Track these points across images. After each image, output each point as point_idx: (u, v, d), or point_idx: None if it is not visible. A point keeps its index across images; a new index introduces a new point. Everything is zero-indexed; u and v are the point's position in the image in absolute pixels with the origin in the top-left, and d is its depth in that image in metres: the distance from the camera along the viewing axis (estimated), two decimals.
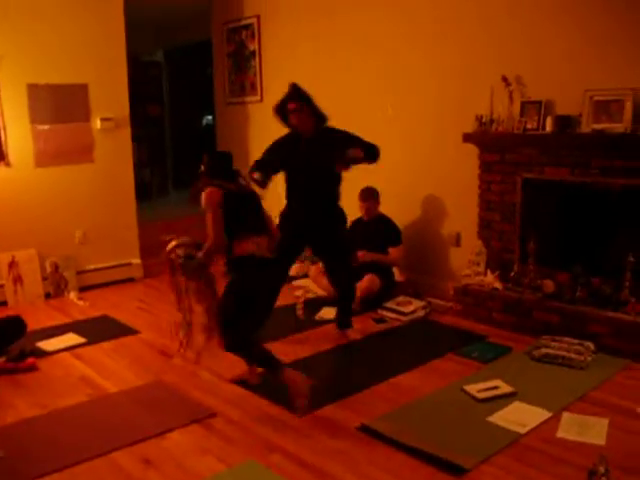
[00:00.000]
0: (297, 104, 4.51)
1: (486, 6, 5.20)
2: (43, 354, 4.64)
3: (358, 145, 4.58)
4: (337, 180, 4.68)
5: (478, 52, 5.30)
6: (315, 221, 4.65)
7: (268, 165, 4.57)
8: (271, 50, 7.29)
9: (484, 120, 5.18)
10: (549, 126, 4.79)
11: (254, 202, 3.94)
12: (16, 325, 4.70)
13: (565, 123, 4.73)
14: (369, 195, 5.72)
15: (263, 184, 4.44)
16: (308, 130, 4.58)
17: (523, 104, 4.99)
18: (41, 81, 6.01)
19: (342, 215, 4.81)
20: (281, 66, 7.17)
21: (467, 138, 5.25)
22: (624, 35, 4.48)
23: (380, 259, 5.62)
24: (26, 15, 5.87)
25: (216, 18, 8.04)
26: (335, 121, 6.54)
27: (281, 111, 4.62)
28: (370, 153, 4.64)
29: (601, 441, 3.25)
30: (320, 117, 4.60)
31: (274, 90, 7.25)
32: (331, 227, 4.73)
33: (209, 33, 8.25)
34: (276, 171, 4.62)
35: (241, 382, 4.09)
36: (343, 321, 4.92)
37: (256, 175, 4.45)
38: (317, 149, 4.55)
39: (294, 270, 6.02)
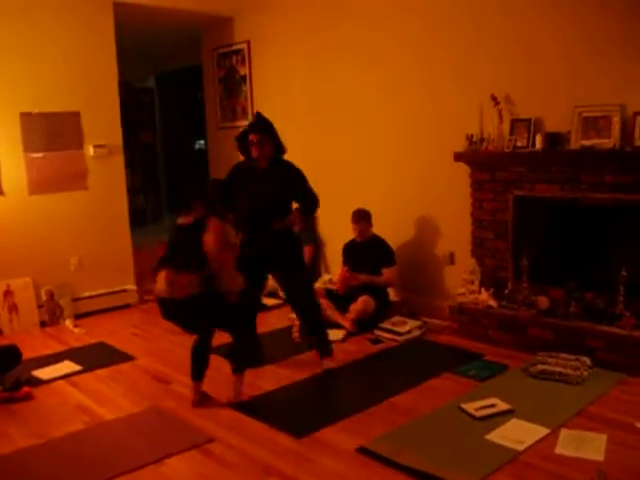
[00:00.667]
0: (259, 136, 4.49)
1: (475, 25, 5.25)
2: (39, 383, 4.62)
3: (303, 191, 4.65)
4: (289, 209, 4.64)
5: (467, 71, 5.35)
6: (270, 249, 4.57)
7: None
8: (261, 75, 7.34)
9: (474, 139, 5.22)
10: (539, 143, 4.83)
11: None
12: (11, 354, 4.68)
13: (554, 140, 4.78)
14: (361, 217, 5.74)
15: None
16: (265, 161, 4.57)
17: (513, 122, 5.04)
18: (34, 110, 6.04)
19: (296, 241, 4.74)
20: (272, 90, 7.22)
21: (458, 157, 5.29)
22: (611, 51, 4.53)
23: (374, 280, 5.63)
24: (18, 44, 5.91)
25: (207, 44, 8.10)
26: (326, 141, 6.61)
27: (242, 141, 4.62)
28: (307, 208, 4.69)
29: (600, 457, 3.24)
30: (279, 149, 4.61)
31: (266, 114, 7.29)
32: (286, 254, 4.63)
33: (200, 58, 8.31)
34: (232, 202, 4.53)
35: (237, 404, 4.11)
36: (321, 349, 4.74)
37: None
38: (272, 180, 4.54)
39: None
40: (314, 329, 4.76)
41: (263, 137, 4.49)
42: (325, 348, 4.73)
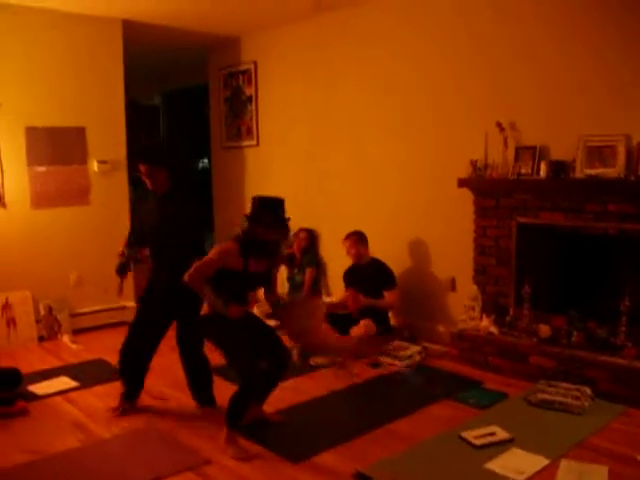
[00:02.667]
0: (146, 167, 4.14)
1: (481, 52, 5.28)
2: (35, 398, 4.58)
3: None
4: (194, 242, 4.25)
5: (473, 98, 5.36)
6: (172, 289, 4.10)
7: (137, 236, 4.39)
8: (267, 95, 7.37)
9: (479, 165, 5.22)
10: (543, 171, 4.83)
11: None
12: (12, 377, 4.62)
13: (559, 168, 4.78)
14: (357, 240, 5.74)
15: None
16: (161, 189, 4.20)
17: (517, 149, 5.04)
18: (39, 124, 6.06)
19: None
20: (277, 111, 7.24)
21: (462, 183, 5.29)
22: (617, 81, 4.55)
23: (375, 304, 5.60)
24: (25, 60, 5.95)
25: (213, 63, 8.14)
26: (331, 163, 6.61)
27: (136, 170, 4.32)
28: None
29: None
30: (176, 179, 4.25)
31: (270, 134, 7.34)
32: (186, 297, 4.04)
33: (206, 78, 8.34)
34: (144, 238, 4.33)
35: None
36: (202, 397, 4.39)
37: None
38: (170, 208, 4.20)
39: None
40: (202, 372, 4.40)
41: (153, 168, 4.14)
42: (212, 395, 4.38)
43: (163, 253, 4.23)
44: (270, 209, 3.84)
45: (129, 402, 4.35)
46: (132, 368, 4.35)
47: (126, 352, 4.33)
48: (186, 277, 3.67)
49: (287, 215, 3.89)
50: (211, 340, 3.89)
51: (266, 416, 4.16)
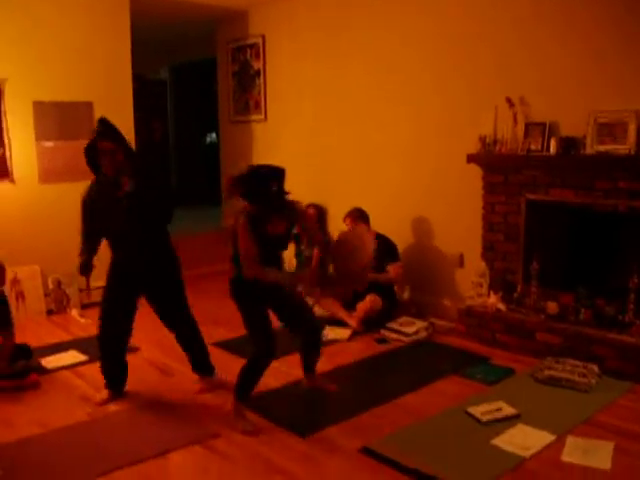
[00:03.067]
0: (109, 144, 3.90)
1: (490, 27, 5.22)
2: (44, 371, 4.62)
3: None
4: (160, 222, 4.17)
5: (482, 73, 5.31)
6: (144, 269, 4.12)
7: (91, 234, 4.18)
8: (275, 69, 7.32)
9: (488, 141, 5.19)
10: (553, 147, 4.79)
11: None
12: (23, 352, 4.64)
13: (569, 144, 4.74)
14: (357, 217, 5.71)
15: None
16: (113, 171, 3.96)
17: (527, 125, 5.00)
18: (47, 99, 6.04)
19: (173, 258, 4.24)
20: (285, 85, 7.20)
21: (471, 159, 5.26)
22: (629, 56, 4.49)
23: (378, 278, 5.58)
24: (33, 33, 5.92)
25: (221, 37, 8.09)
26: (338, 140, 6.58)
27: (90, 153, 3.98)
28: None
29: (606, 465, 3.21)
30: (132, 156, 4.05)
31: (278, 109, 7.31)
32: (162, 273, 4.17)
33: (214, 51, 8.29)
34: (99, 235, 4.19)
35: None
36: (199, 366, 4.42)
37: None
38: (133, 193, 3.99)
39: None
40: (194, 346, 4.38)
41: (115, 145, 3.91)
42: (210, 366, 4.42)
43: (129, 236, 4.06)
44: (260, 181, 3.64)
45: (116, 392, 4.25)
46: (113, 354, 4.27)
47: (104, 339, 4.26)
48: (247, 274, 3.62)
49: (284, 187, 3.72)
50: (237, 303, 3.84)
51: (321, 385, 4.22)
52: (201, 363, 4.41)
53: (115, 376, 4.27)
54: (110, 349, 4.26)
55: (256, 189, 3.61)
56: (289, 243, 3.96)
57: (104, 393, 4.22)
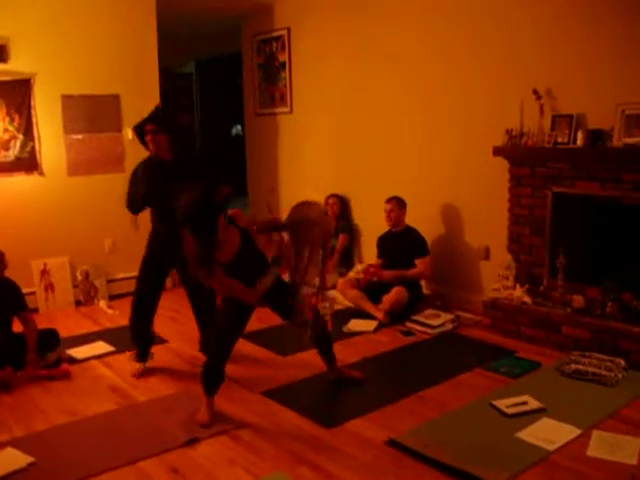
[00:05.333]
0: (155, 127, 4.33)
1: (516, 20, 5.18)
2: (73, 362, 4.71)
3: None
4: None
5: (509, 65, 5.28)
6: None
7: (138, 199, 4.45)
8: (301, 62, 7.33)
9: (514, 133, 5.16)
10: (580, 140, 4.75)
11: None
12: (51, 337, 4.74)
13: (596, 137, 4.69)
14: (395, 199, 5.76)
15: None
16: (167, 154, 4.40)
17: (554, 117, 4.96)
18: (75, 92, 6.12)
19: None
20: (311, 78, 7.21)
21: (497, 151, 5.23)
22: None
23: (404, 275, 5.59)
24: (61, 28, 6.00)
25: (247, 30, 8.11)
26: (364, 131, 6.59)
27: (138, 131, 4.45)
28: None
29: (632, 460, 3.19)
30: (179, 146, 4.46)
31: (304, 102, 7.32)
32: None
33: (240, 45, 8.32)
34: (147, 203, 4.45)
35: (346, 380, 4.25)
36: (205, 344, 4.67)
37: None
38: (180, 174, 4.25)
39: None
40: (207, 325, 4.57)
41: (159, 128, 4.33)
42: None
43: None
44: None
45: (143, 362, 4.54)
46: (143, 327, 4.55)
47: (137, 311, 4.53)
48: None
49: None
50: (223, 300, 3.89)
51: (346, 374, 4.26)
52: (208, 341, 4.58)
53: (146, 344, 4.55)
54: (144, 314, 4.54)
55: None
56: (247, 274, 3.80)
57: (138, 366, 4.49)
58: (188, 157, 4.48)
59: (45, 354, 4.60)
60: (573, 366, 4.26)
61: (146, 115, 4.49)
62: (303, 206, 3.89)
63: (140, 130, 4.41)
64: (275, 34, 7.59)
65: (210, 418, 3.71)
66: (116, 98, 6.39)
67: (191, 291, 4.63)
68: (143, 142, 4.44)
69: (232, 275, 3.65)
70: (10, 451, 3.41)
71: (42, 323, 4.99)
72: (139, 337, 4.57)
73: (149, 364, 4.60)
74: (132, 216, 4.57)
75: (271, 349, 4.87)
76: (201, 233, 3.50)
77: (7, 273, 4.65)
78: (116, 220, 6.41)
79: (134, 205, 4.49)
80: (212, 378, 3.79)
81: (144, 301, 4.54)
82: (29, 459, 3.32)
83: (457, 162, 5.77)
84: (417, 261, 5.65)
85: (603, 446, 3.34)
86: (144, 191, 4.37)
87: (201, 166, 4.54)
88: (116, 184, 6.39)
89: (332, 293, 6.08)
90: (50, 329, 4.81)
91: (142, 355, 4.56)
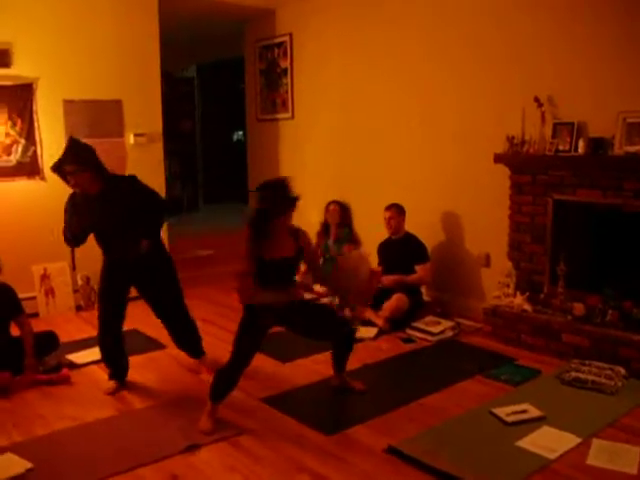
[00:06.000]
0: (76, 167, 4.09)
1: (517, 27, 5.19)
2: (73, 367, 4.70)
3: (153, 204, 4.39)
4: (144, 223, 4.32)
5: (510, 72, 5.29)
6: (136, 269, 4.34)
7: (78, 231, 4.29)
8: (302, 68, 7.34)
9: (515, 141, 5.16)
10: (581, 148, 4.76)
11: None
12: (50, 340, 4.75)
13: (598, 145, 4.70)
14: (398, 212, 5.75)
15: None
16: (92, 189, 4.19)
17: (555, 125, 4.97)
18: (77, 97, 6.13)
19: (165, 258, 4.51)
20: (312, 84, 7.22)
21: (498, 159, 5.24)
22: None
23: (404, 280, 5.59)
24: (63, 33, 6.01)
25: (249, 36, 8.13)
26: (365, 138, 6.59)
27: (59, 171, 4.21)
28: (153, 229, 4.40)
29: (633, 470, 3.19)
30: (103, 173, 4.21)
31: (305, 107, 7.33)
32: (155, 272, 4.42)
33: (242, 50, 8.34)
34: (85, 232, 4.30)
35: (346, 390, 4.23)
36: (196, 349, 4.68)
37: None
38: (112, 202, 4.19)
39: (323, 289, 5.99)
40: (186, 331, 4.61)
41: (80, 168, 4.09)
42: (198, 347, 4.67)
43: (124, 235, 4.26)
44: (273, 189, 3.76)
45: (119, 381, 4.41)
46: (114, 350, 4.43)
47: (104, 337, 4.42)
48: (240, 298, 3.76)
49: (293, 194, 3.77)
50: (245, 311, 3.89)
51: (349, 384, 4.24)
52: (195, 351, 4.66)
53: (117, 364, 4.44)
54: (111, 340, 4.42)
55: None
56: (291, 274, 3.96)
57: (111, 384, 4.38)
58: (115, 184, 4.27)
59: (44, 357, 4.60)
60: (573, 374, 4.26)
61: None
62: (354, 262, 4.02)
63: (59, 170, 4.19)
64: (277, 40, 7.61)
65: (212, 425, 3.70)
66: (118, 103, 6.40)
67: (158, 311, 4.57)
68: (65, 180, 4.21)
69: (262, 273, 3.73)
70: (9, 456, 3.40)
71: (42, 328, 5.00)
72: (110, 359, 4.43)
73: (148, 370, 4.59)
74: (70, 253, 4.46)
75: (271, 356, 4.86)
76: (265, 212, 3.68)
77: (7, 278, 4.64)
78: None
79: (77, 238, 4.34)
80: (224, 384, 3.78)
81: (109, 328, 4.40)
82: (28, 465, 3.31)
83: (458, 169, 5.78)
84: (417, 267, 5.65)
85: (603, 455, 3.33)
86: (88, 224, 4.24)
87: (133, 189, 4.34)
88: None
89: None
90: (49, 331, 4.82)
91: (115, 375, 4.42)
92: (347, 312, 5.40)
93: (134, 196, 4.27)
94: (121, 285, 4.38)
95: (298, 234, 3.89)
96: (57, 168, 4.19)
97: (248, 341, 3.82)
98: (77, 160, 4.11)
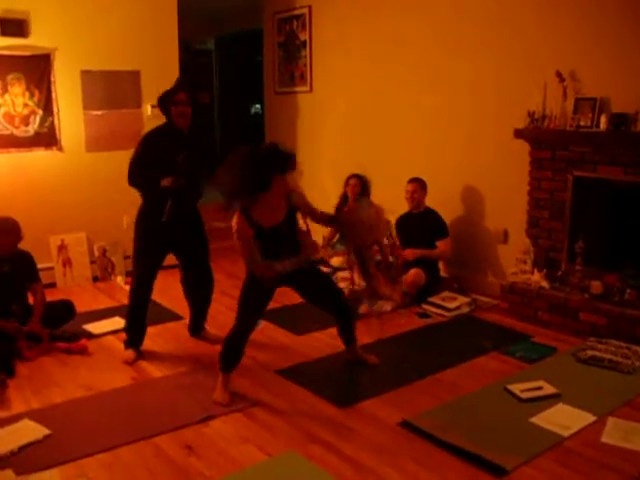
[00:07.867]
0: (188, 97, 4.23)
1: (541, 1, 5.10)
2: (90, 336, 4.73)
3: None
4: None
5: (532, 47, 5.20)
6: (183, 220, 4.40)
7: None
8: (321, 41, 7.26)
9: (536, 116, 5.09)
10: (603, 124, 4.68)
11: None
12: (66, 309, 4.80)
13: (620, 121, 4.62)
14: (417, 180, 5.71)
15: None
16: (185, 125, 4.29)
17: (577, 101, 4.89)
18: (94, 68, 6.11)
19: (201, 220, 4.62)
20: (331, 57, 7.15)
21: (518, 134, 5.17)
22: None
23: (429, 254, 5.56)
24: (81, 3, 5.97)
25: (268, 8, 8.04)
26: (383, 112, 6.53)
27: (165, 102, 4.27)
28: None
29: None
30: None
31: (323, 81, 7.27)
32: (197, 224, 4.57)
33: (260, 22, 8.26)
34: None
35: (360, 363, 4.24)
36: (197, 330, 4.78)
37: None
38: (194, 144, 4.34)
39: (338, 262, 5.99)
40: (204, 308, 4.74)
41: (189, 100, 4.24)
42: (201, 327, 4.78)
43: (193, 179, 4.34)
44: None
45: (135, 348, 4.45)
46: (141, 312, 4.47)
47: (136, 292, 4.44)
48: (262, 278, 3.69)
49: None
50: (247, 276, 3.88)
51: (362, 358, 4.24)
52: (200, 325, 4.75)
53: (141, 333, 4.48)
54: (142, 304, 4.45)
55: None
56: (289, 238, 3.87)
57: (130, 353, 4.39)
58: (198, 131, 4.42)
59: (60, 325, 4.66)
60: (589, 352, 4.24)
61: (163, 91, 4.31)
62: (360, 209, 4.01)
63: (166, 100, 4.23)
64: (296, 12, 7.53)
65: (229, 397, 3.71)
66: (136, 74, 6.37)
67: (191, 267, 4.62)
68: (166, 112, 4.27)
69: (263, 242, 3.69)
70: (27, 422, 3.45)
71: (59, 297, 5.04)
72: (136, 325, 4.46)
73: (164, 339, 4.63)
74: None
75: (286, 328, 4.88)
76: (254, 173, 3.60)
77: (25, 248, 4.67)
78: (134, 197, 6.44)
79: (148, 177, 4.32)
80: (231, 355, 3.79)
81: (142, 285, 4.42)
82: (45, 431, 3.36)
83: (477, 144, 5.72)
84: (438, 242, 5.61)
85: (618, 433, 3.31)
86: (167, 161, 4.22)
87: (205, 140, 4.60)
88: None
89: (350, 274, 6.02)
90: (65, 300, 4.86)
91: (132, 341, 4.45)
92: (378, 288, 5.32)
93: (207, 145, 4.58)
94: (161, 245, 4.41)
95: (291, 196, 3.80)
96: (165, 98, 4.25)
97: (253, 304, 3.81)
98: (192, 90, 4.33)
